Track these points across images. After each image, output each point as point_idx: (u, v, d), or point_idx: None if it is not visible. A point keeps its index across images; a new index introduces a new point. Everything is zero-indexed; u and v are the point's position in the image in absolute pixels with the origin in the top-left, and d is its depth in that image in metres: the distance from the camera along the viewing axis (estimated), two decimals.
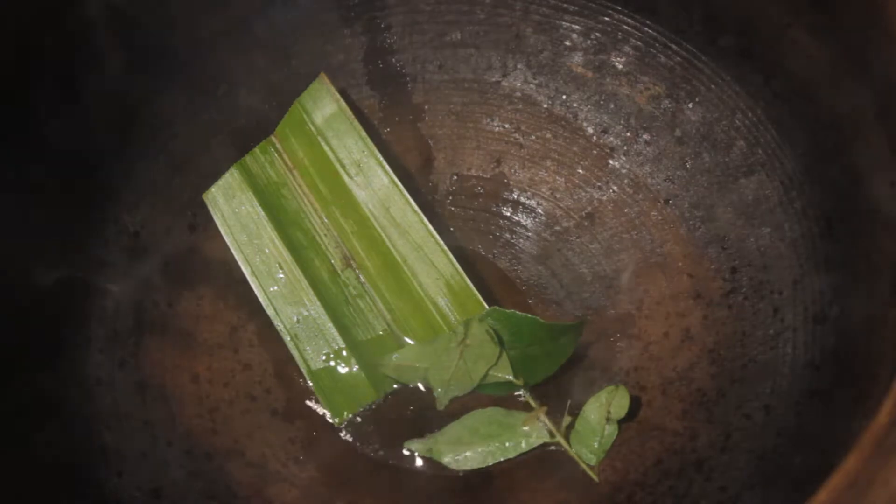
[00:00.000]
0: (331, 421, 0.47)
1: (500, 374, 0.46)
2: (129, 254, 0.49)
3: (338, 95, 0.50)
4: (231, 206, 0.49)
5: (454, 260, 0.48)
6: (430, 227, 0.48)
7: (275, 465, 0.46)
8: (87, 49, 0.46)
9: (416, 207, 0.48)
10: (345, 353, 0.47)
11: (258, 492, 0.45)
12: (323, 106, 0.50)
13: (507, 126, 0.52)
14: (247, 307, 0.49)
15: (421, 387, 0.47)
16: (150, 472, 0.45)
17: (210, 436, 0.46)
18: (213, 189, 0.50)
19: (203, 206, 0.50)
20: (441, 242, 0.48)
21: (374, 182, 0.49)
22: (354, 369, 0.47)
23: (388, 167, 0.49)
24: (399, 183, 0.49)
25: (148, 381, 0.47)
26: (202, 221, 0.50)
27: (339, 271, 0.49)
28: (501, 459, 0.45)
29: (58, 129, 0.46)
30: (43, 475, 0.42)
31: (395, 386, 0.48)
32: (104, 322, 0.47)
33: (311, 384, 0.47)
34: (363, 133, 0.49)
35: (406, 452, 0.46)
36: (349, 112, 0.50)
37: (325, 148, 0.50)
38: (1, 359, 0.43)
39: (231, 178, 0.49)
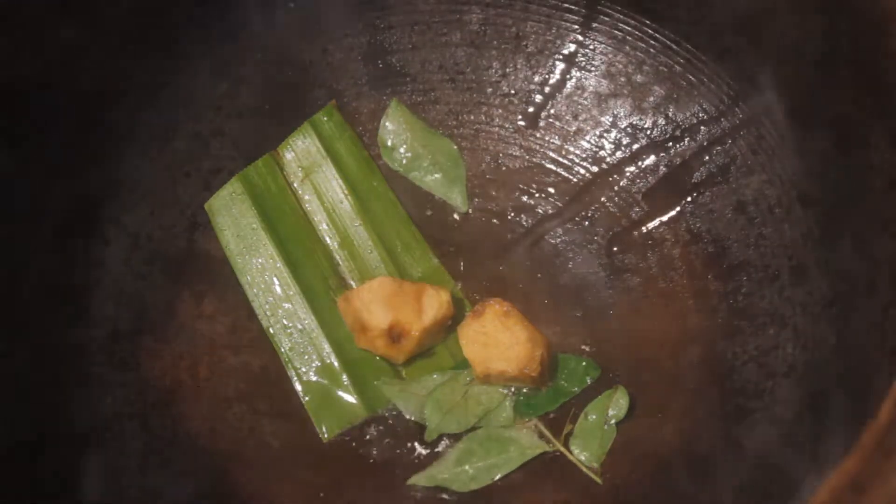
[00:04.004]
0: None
1: (500, 418, 0.46)
2: (129, 254, 0.49)
3: (346, 124, 0.51)
4: (231, 216, 0.50)
5: (451, 278, 0.49)
6: (434, 256, 0.50)
7: (275, 466, 0.46)
8: (87, 48, 0.46)
9: (420, 235, 0.50)
10: (337, 368, 0.47)
11: (258, 492, 0.45)
12: (332, 131, 0.51)
13: (507, 126, 0.52)
14: (247, 307, 0.49)
15: (408, 416, 0.47)
16: (151, 472, 0.45)
17: (210, 436, 0.46)
18: (213, 199, 0.50)
19: (203, 206, 0.50)
20: (436, 260, 0.50)
21: (376, 210, 0.50)
22: (346, 385, 0.47)
23: (393, 195, 0.51)
24: (405, 212, 0.50)
25: (148, 381, 0.47)
26: (202, 221, 0.50)
27: (334, 289, 0.49)
28: (506, 472, 0.45)
29: (57, 128, 0.46)
30: (43, 475, 0.42)
31: (389, 406, 0.47)
32: (104, 322, 0.47)
33: (304, 398, 0.47)
34: (371, 163, 0.51)
35: (412, 453, 0.46)
36: (358, 141, 0.51)
37: (331, 171, 0.50)
38: (1, 360, 0.43)
39: (232, 189, 0.50)
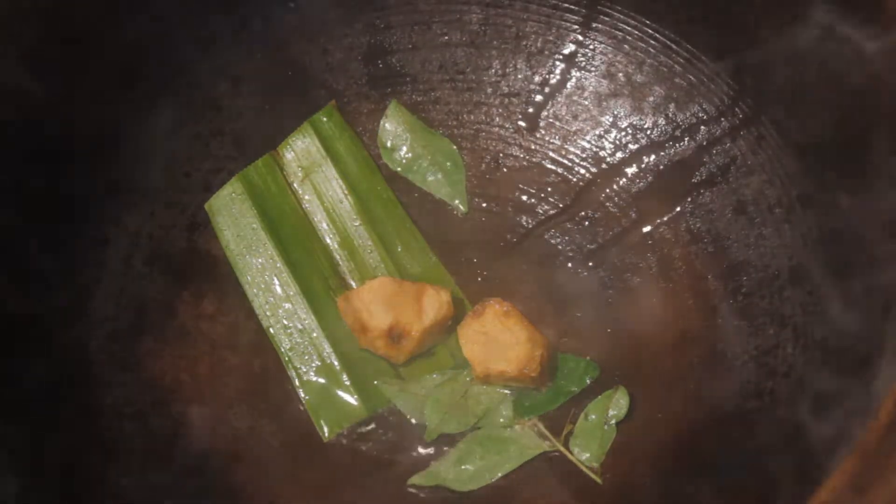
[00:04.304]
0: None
1: (500, 418, 0.46)
2: (129, 254, 0.49)
3: (346, 124, 0.51)
4: (231, 216, 0.50)
5: (451, 279, 0.49)
6: (433, 255, 0.50)
7: (275, 466, 0.46)
8: (88, 48, 0.46)
9: (419, 235, 0.50)
10: (337, 368, 0.47)
11: (258, 492, 0.45)
12: (332, 132, 0.51)
13: (507, 126, 0.52)
14: (247, 307, 0.49)
15: (408, 416, 0.47)
16: (151, 472, 0.45)
17: (210, 436, 0.46)
18: (213, 199, 0.50)
19: (203, 206, 0.50)
20: (437, 261, 0.50)
21: (376, 210, 0.50)
22: (346, 385, 0.47)
23: (393, 195, 0.51)
24: (405, 212, 0.50)
25: (148, 381, 0.47)
26: (202, 221, 0.50)
27: (334, 289, 0.49)
28: (506, 472, 0.45)
29: (58, 126, 0.46)
30: (43, 476, 0.42)
31: (389, 406, 0.47)
32: (104, 322, 0.47)
33: (304, 397, 0.47)
34: (371, 163, 0.51)
35: (412, 453, 0.46)
36: (358, 141, 0.51)
37: (331, 172, 0.50)
38: (1, 361, 0.43)
39: (232, 189, 0.50)
